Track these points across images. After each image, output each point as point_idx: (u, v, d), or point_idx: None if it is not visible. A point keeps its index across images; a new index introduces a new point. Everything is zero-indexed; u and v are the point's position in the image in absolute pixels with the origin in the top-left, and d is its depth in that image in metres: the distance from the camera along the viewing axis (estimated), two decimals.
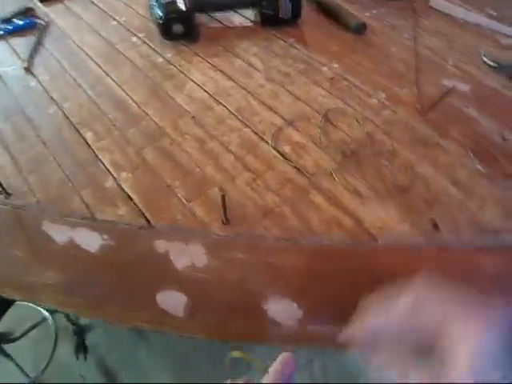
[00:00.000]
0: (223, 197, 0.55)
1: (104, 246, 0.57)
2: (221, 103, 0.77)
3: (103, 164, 0.67)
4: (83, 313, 0.55)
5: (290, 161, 0.66)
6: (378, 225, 0.57)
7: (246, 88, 0.80)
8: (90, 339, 1.25)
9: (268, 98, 0.78)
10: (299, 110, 0.75)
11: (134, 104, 0.78)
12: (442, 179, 0.63)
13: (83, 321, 1.29)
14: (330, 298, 0.51)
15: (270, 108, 0.76)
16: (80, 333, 1.22)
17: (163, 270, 0.54)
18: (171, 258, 0.55)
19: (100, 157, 0.68)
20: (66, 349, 1.23)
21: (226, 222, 0.57)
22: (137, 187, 0.63)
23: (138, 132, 0.72)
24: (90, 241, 0.57)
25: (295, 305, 0.51)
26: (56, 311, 1.24)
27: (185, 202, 0.61)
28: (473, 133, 0.71)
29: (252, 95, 0.78)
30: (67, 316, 1.25)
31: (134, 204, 0.61)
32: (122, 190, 0.63)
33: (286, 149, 0.68)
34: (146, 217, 0.59)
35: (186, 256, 0.55)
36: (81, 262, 0.56)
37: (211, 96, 0.78)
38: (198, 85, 0.81)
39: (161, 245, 0.56)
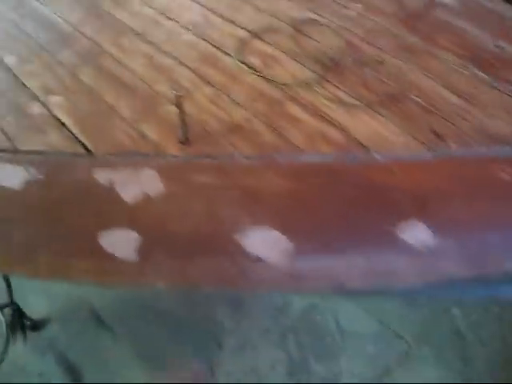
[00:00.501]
0: (179, 105, 0.43)
1: (30, 181, 0.44)
2: (172, 19, 0.64)
3: (28, 89, 0.54)
4: (7, 267, 0.43)
5: (259, 72, 0.55)
6: (371, 136, 0.47)
7: (199, 2, 0.68)
8: (47, 333, 1.11)
9: (227, 11, 0.65)
10: (265, 22, 0.63)
11: (66, 25, 0.64)
12: (438, 87, 0.54)
13: (37, 314, 1.14)
14: (320, 224, 0.41)
15: (231, 21, 0.64)
16: (16, 311, 1.05)
17: (107, 205, 0.43)
18: (117, 189, 0.43)
19: (24, 82, 0.55)
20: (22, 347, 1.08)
21: (185, 141, 0.46)
22: (71, 111, 0.51)
23: (73, 53, 0.59)
24: (12, 176, 0.45)
25: (278, 233, 0.41)
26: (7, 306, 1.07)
27: (132, 123, 0.49)
28: (464, 41, 0.62)
29: (208, 9, 0.66)
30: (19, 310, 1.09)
31: (68, 130, 0.48)
32: (52, 115, 0.50)
33: (254, 61, 0.57)
34: (82, 143, 0.47)
35: (136, 185, 0.43)
36: (1, 203, 0.44)
37: (160, 12, 0.66)
38: (144, 0, 0.68)
39: (103, 174, 0.44)
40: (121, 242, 0.40)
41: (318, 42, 0.60)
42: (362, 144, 0.47)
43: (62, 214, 0.42)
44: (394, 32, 0.63)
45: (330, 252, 0.40)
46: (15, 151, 0.47)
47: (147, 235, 0.40)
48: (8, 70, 0.57)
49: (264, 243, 0.40)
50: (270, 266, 0.40)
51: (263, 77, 0.54)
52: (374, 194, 0.43)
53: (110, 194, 0.43)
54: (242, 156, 0.45)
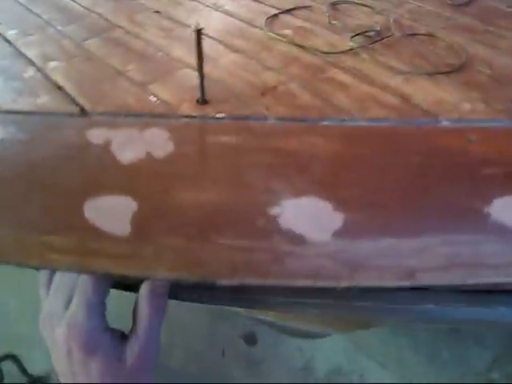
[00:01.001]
0: (199, 43, 0.35)
1: (5, 139, 0.35)
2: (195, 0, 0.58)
3: (26, 57, 0.46)
4: None
5: (293, 41, 0.46)
6: (436, 103, 0.38)
7: None
8: None
9: None
10: (297, 2, 0.57)
11: (78, 6, 0.58)
12: (510, 61, 0.45)
13: (37, 370, 1.00)
14: (379, 197, 0.31)
15: (259, 1, 0.57)
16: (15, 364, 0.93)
17: (98, 167, 0.33)
18: (113, 149, 0.33)
19: (23, 51, 0.48)
20: None
21: (204, 102, 0.37)
22: (70, 75, 0.42)
23: (81, 27, 0.52)
24: None
25: (326, 208, 0.30)
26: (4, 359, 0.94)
27: (141, 85, 0.40)
28: None
29: None
30: (18, 363, 0.96)
31: (64, 92, 0.40)
32: (48, 78, 0.42)
33: (287, 32, 0.49)
34: (79, 104, 0.38)
35: (138, 146, 0.33)
36: None
37: None
38: None
39: (98, 134, 0.35)
40: (112, 214, 0.30)
41: (359, 19, 0.52)
42: (425, 110, 0.37)
43: (39, 177, 0.33)
44: (441, 13, 0.55)
45: (394, 233, 0.29)
46: None
47: (148, 205, 0.30)
48: (7, 41, 0.50)
49: (308, 220, 0.30)
50: (317, 249, 0.29)
51: (298, 45, 0.45)
52: (447, 165, 0.32)
53: (103, 155, 0.33)
54: (275, 118, 0.36)
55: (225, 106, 0.37)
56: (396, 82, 0.40)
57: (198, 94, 0.37)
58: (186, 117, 0.36)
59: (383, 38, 0.47)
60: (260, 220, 0.29)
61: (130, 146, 0.33)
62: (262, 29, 0.49)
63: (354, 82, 0.40)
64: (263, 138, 0.34)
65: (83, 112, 0.37)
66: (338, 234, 0.29)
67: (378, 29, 0.49)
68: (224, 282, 0.29)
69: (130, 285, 0.32)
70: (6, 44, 0.49)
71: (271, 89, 0.39)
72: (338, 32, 0.49)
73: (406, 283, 0.29)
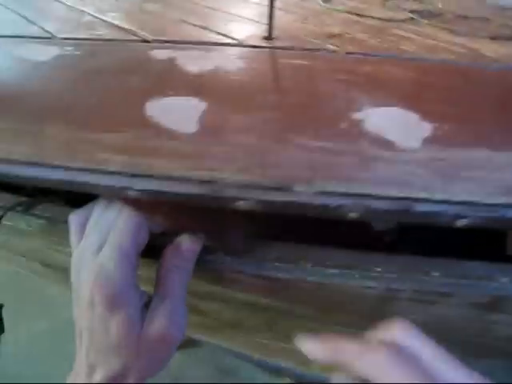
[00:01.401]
0: None
1: (63, 56, 0.33)
2: None
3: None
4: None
5: (350, 12, 0.46)
6: (503, 54, 0.36)
7: None
8: None
9: None
10: None
11: None
12: None
13: None
14: (470, 112, 0.28)
15: None
16: None
17: (163, 74, 0.31)
18: (178, 63, 0.31)
19: None
20: None
21: (271, 38, 0.36)
22: (130, 12, 0.42)
23: None
24: (44, 53, 0.34)
25: (414, 117, 0.27)
26: None
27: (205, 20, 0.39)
28: None
29: None
30: None
31: (124, 27, 0.39)
32: (106, 15, 0.41)
33: (342, 8, 0.49)
34: (140, 35, 0.37)
35: (205, 60, 0.31)
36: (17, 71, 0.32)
37: None
38: None
39: (162, 52, 0.33)
40: (178, 112, 0.28)
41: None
42: (495, 59, 0.36)
43: (97, 84, 0.30)
44: None
45: (490, 145, 0.26)
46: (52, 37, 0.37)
47: (217, 106, 0.28)
48: None
49: (394, 127, 0.27)
50: (407, 155, 0.26)
51: (357, 13, 0.45)
52: None
53: (169, 66, 0.31)
54: (346, 52, 0.34)
55: (293, 42, 0.36)
56: (460, 39, 0.39)
57: (264, 32, 0.36)
58: (254, 47, 0.35)
59: (439, 15, 0.47)
60: (343, 123, 0.27)
61: (197, 61, 0.31)
62: (320, 5, 0.50)
63: (418, 38, 0.39)
64: (337, 63, 0.32)
65: (145, 41, 0.36)
66: (429, 142, 0.26)
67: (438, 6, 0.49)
68: (301, 187, 0.26)
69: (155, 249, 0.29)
70: None
71: (337, 35, 0.38)
72: (394, 9, 0.49)
73: (502, 199, 0.26)
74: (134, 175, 0.27)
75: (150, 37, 0.36)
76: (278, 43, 0.35)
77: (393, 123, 0.27)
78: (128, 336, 0.29)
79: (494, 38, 0.40)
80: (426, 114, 0.27)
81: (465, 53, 0.36)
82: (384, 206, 0.26)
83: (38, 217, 0.40)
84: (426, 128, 0.26)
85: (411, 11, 0.47)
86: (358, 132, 0.26)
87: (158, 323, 0.30)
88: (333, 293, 0.37)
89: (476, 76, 0.32)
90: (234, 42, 0.36)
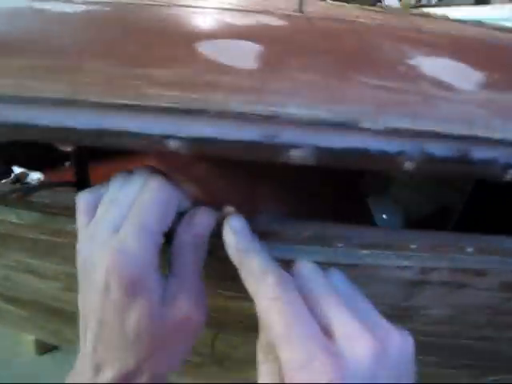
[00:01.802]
0: None
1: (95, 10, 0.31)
2: None
3: None
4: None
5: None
6: None
7: None
8: None
9: None
10: None
11: None
12: None
13: None
14: None
15: None
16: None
17: (209, 23, 0.30)
18: (222, 18, 0.30)
19: None
20: None
21: (301, 11, 0.36)
22: None
23: None
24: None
25: (463, 64, 0.28)
26: None
27: None
28: None
29: None
30: None
31: None
32: None
33: None
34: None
35: (248, 17, 0.31)
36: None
37: None
38: None
39: (201, 10, 0.32)
40: (235, 51, 0.26)
41: None
42: None
43: (138, 24, 0.28)
44: None
45: None
46: None
47: (278, 47, 0.27)
48: None
49: (450, 72, 0.27)
50: (466, 96, 0.26)
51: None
52: None
53: (214, 19, 0.30)
54: None
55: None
56: None
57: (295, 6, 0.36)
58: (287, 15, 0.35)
59: None
60: (401, 67, 0.27)
61: (239, 18, 0.31)
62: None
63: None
64: (376, 26, 0.33)
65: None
66: (484, 86, 0.27)
67: None
68: (368, 124, 0.25)
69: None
70: None
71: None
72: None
73: None
74: (187, 111, 0.24)
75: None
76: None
77: (446, 70, 0.27)
78: (149, 328, 0.26)
79: None
80: (477, 64, 0.28)
81: None
82: (443, 151, 0.26)
83: (33, 207, 0.36)
84: (477, 75, 0.27)
85: None
86: (416, 74, 0.26)
87: (178, 308, 0.27)
88: (365, 276, 0.35)
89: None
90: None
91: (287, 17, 0.33)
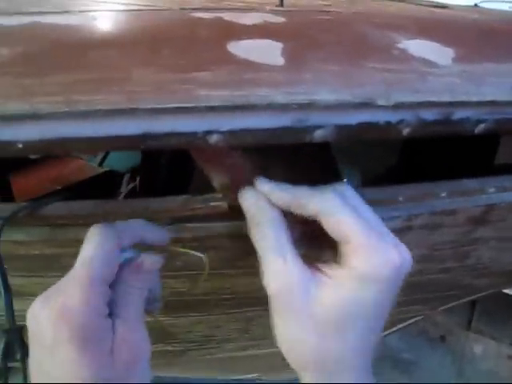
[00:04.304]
0: None
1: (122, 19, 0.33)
2: None
3: None
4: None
5: None
6: None
7: None
8: None
9: None
10: None
11: None
12: None
13: None
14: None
15: None
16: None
17: (222, 27, 0.33)
18: (228, 19, 0.34)
19: None
20: None
21: (282, 5, 0.40)
22: None
23: None
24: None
25: (435, 43, 0.34)
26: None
27: None
28: None
29: None
30: None
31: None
32: None
33: None
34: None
35: (250, 17, 0.34)
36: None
37: None
38: None
39: (203, 14, 0.35)
40: (260, 50, 0.30)
41: None
42: None
43: (167, 33, 0.31)
44: None
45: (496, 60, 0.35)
46: None
47: (293, 43, 0.31)
48: None
49: (430, 51, 0.33)
50: (447, 69, 0.33)
51: None
52: None
53: (221, 22, 0.33)
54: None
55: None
56: None
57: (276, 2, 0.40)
58: (275, 10, 0.39)
59: None
60: (394, 51, 0.33)
61: (243, 18, 0.34)
62: None
63: None
64: (356, 15, 0.38)
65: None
66: (457, 60, 0.33)
67: None
68: (382, 101, 0.30)
69: None
70: None
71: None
72: None
73: None
74: (237, 107, 0.28)
75: (175, 7, 0.37)
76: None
77: (426, 49, 0.34)
78: (102, 377, 0.26)
79: None
80: (447, 42, 0.34)
81: None
82: (433, 116, 0.33)
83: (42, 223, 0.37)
84: (451, 51, 0.34)
85: None
86: (407, 56, 0.32)
87: (127, 350, 0.27)
88: None
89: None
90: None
91: (279, 12, 0.37)
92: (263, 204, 0.31)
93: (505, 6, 0.60)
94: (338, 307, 0.28)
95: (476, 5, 0.65)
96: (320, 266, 0.30)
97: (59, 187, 0.70)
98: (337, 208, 0.29)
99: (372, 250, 0.28)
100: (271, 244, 0.29)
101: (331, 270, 0.29)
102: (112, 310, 0.28)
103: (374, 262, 0.28)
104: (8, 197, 0.60)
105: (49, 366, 0.26)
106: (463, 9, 0.54)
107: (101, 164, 0.69)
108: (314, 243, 0.32)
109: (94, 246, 0.28)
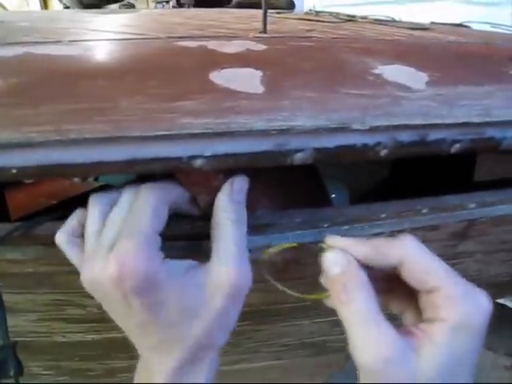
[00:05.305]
0: None
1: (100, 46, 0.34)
2: None
3: None
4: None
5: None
6: None
7: None
8: None
9: None
10: None
11: None
12: None
13: None
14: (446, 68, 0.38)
15: None
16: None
17: (204, 57, 0.34)
18: (211, 47, 0.35)
19: None
20: None
21: (265, 32, 0.42)
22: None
23: None
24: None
25: (409, 68, 0.36)
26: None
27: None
28: None
29: None
30: None
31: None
32: None
33: None
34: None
35: (233, 45, 0.36)
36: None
37: None
38: None
39: (188, 43, 0.36)
40: (241, 79, 0.32)
41: None
42: None
43: (154, 63, 0.32)
44: None
45: (469, 82, 0.36)
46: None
47: (272, 71, 0.33)
48: None
49: (404, 76, 0.35)
50: (420, 94, 0.34)
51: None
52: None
53: (205, 51, 0.35)
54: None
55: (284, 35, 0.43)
56: None
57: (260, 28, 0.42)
58: (258, 37, 0.40)
59: None
60: (369, 76, 0.34)
61: (227, 46, 0.36)
62: None
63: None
64: (335, 43, 0.40)
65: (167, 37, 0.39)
66: (431, 84, 0.35)
67: None
68: (357, 125, 0.32)
69: None
70: None
71: (311, 30, 0.46)
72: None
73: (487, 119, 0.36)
74: (218, 134, 0.30)
75: (162, 35, 0.39)
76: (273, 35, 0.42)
77: (401, 74, 0.35)
78: (187, 306, 0.28)
79: None
80: (420, 67, 0.36)
81: None
82: (408, 138, 0.34)
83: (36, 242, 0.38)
84: (424, 76, 0.36)
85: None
86: (382, 81, 0.34)
87: (222, 274, 0.28)
88: None
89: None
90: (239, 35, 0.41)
91: (262, 39, 0.39)
92: (349, 263, 0.29)
93: (486, 27, 0.62)
94: (441, 370, 0.27)
95: (461, 24, 0.67)
96: (406, 327, 0.29)
97: (54, 202, 0.71)
98: (423, 254, 0.29)
99: (463, 298, 0.28)
100: (362, 309, 0.27)
101: (420, 329, 0.28)
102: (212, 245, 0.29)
103: (467, 310, 0.27)
104: (3, 211, 0.61)
105: (125, 317, 0.28)
106: (444, 29, 0.56)
107: (96, 179, 0.70)
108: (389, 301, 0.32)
109: (141, 199, 0.29)
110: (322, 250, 0.31)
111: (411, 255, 0.29)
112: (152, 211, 0.28)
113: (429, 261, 0.29)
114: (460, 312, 0.27)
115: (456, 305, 0.27)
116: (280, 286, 0.32)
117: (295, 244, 0.33)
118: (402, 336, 0.27)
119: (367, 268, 0.29)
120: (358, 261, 0.29)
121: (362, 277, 0.28)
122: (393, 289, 0.31)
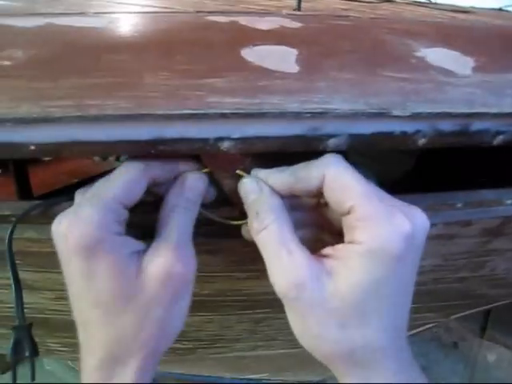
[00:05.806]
0: None
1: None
2: None
3: None
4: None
5: None
6: None
7: None
8: None
9: None
10: None
11: None
12: None
13: None
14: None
15: None
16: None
17: (236, 31, 0.32)
18: (245, 23, 0.33)
19: None
20: None
21: (299, 10, 0.40)
22: None
23: None
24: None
25: (455, 52, 0.33)
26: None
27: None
28: None
29: None
30: None
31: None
32: None
33: None
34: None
35: (267, 21, 0.34)
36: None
37: None
38: None
39: (219, 18, 0.34)
40: (275, 57, 0.30)
41: None
42: None
43: (183, 36, 0.30)
44: None
45: None
46: None
47: (308, 50, 0.30)
48: None
49: (449, 60, 0.32)
50: (466, 80, 0.32)
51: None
52: None
53: (237, 25, 0.32)
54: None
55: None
56: None
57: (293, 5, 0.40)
58: (292, 15, 0.38)
59: None
60: (411, 60, 0.32)
61: (260, 23, 0.34)
62: None
63: None
64: (374, 22, 0.37)
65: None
66: (477, 69, 0.32)
67: None
68: (398, 112, 0.30)
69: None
70: None
71: (347, 9, 0.44)
72: None
73: None
74: (248, 115, 0.28)
75: (191, 9, 0.37)
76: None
77: (445, 58, 0.33)
78: (119, 287, 0.26)
79: None
80: (466, 51, 0.33)
81: None
82: (449, 127, 0.32)
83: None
84: (470, 60, 0.33)
85: None
86: (425, 65, 0.31)
87: (157, 261, 0.27)
88: None
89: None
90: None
91: (296, 17, 0.36)
92: (262, 190, 0.28)
93: None
94: (354, 292, 0.25)
95: (501, 9, 0.63)
96: (324, 251, 0.27)
97: (76, 180, 0.71)
98: (343, 174, 0.27)
99: (379, 220, 0.25)
100: (274, 236, 0.27)
101: (337, 252, 0.27)
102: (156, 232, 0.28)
103: (381, 234, 0.25)
104: (26, 188, 0.61)
105: (66, 279, 0.27)
106: (486, 13, 0.52)
107: (117, 158, 0.69)
108: (315, 230, 0.31)
109: (118, 171, 0.28)
110: (240, 179, 0.30)
111: (330, 175, 0.27)
112: (122, 183, 0.27)
113: (348, 180, 0.27)
114: (374, 234, 0.25)
115: (371, 227, 0.25)
116: (205, 212, 0.31)
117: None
118: (316, 260, 0.26)
119: (294, 197, 0.29)
120: (280, 190, 0.28)
121: (274, 204, 0.28)
122: (324, 220, 0.30)
